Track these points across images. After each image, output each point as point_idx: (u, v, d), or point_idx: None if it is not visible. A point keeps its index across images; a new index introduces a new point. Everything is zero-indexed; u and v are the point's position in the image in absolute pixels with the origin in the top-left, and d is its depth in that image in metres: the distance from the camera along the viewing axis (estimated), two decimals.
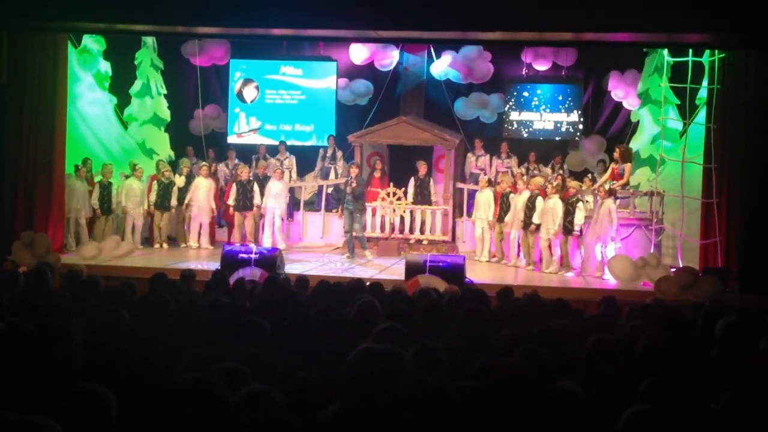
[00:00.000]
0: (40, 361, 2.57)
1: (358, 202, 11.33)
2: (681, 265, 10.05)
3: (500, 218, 11.47)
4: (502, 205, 11.44)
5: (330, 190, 13.18)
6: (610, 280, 10.00)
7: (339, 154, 13.38)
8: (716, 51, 10.13)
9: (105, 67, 12.79)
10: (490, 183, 11.91)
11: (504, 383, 2.47)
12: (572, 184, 10.97)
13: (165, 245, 12.12)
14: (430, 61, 13.66)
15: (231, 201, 12.15)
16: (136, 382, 2.81)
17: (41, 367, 2.56)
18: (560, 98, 13.61)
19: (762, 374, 3.13)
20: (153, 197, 12.03)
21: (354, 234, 11.37)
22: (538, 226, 10.81)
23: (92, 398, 2.29)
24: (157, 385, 2.67)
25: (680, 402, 2.59)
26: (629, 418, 2.37)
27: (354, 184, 11.30)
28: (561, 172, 12.67)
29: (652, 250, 10.16)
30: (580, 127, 13.49)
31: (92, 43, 12.44)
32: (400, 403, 2.20)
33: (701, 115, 10.89)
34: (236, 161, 13.21)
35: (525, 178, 11.76)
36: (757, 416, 2.23)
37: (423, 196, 12.36)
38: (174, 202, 12.11)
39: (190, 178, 12.32)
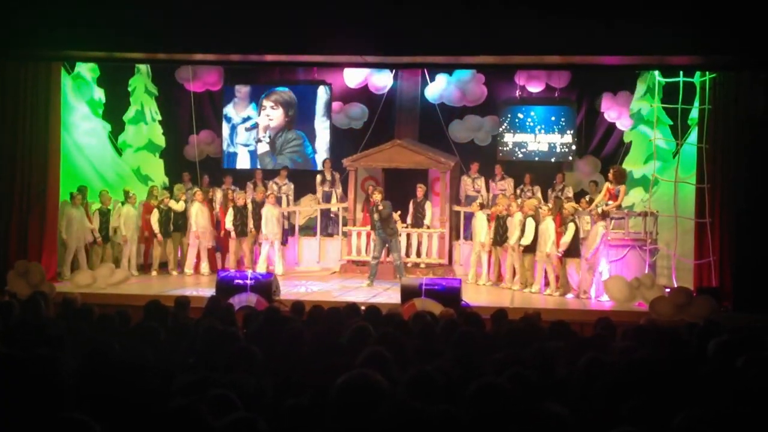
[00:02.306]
0: (27, 391, 2.56)
1: (388, 227, 11.26)
2: (675, 285, 10.05)
3: (496, 241, 11.48)
4: (498, 227, 11.46)
5: (343, 214, 13.16)
6: (605, 302, 9.99)
7: (337, 177, 13.43)
8: (707, 72, 10.24)
9: (99, 93, 12.86)
10: (482, 206, 11.94)
11: (490, 407, 2.47)
12: (567, 206, 11.01)
13: (175, 272, 12.10)
14: (424, 84, 13.77)
15: (228, 226, 12.15)
16: (125, 410, 2.80)
17: (28, 396, 2.55)
18: (554, 120, 13.70)
19: (738, 392, 3.13)
20: (156, 225, 12.01)
21: (394, 262, 11.28)
22: (530, 248, 10.83)
23: (76, 427, 2.28)
24: (145, 413, 2.66)
25: (667, 422, 2.59)
26: None
27: (381, 208, 11.18)
28: (558, 194, 12.70)
29: (646, 271, 10.16)
30: (574, 148, 13.58)
31: (86, 70, 12.52)
32: (385, 429, 2.19)
33: (693, 135, 10.97)
34: (231, 186, 13.23)
35: (519, 200, 11.80)
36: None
37: (417, 219, 12.38)
38: (172, 228, 12.11)
39: (185, 204, 12.33)
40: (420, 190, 12.47)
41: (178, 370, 3.82)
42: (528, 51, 9.39)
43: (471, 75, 13.49)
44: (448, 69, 13.31)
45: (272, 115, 14.12)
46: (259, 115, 14.13)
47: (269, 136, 14.13)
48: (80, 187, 11.89)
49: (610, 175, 11.00)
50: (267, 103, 14.13)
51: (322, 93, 14.03)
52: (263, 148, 14.12)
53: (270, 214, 12.12)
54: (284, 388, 3.67)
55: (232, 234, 12.11)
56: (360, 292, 10.69)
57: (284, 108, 14.10)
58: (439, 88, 13.62)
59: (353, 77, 13.71)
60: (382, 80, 13.71)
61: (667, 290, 9.76)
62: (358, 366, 3.22)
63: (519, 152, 13.78)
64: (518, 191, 12.83)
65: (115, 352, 4.13)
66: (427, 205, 12.51)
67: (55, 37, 9.45)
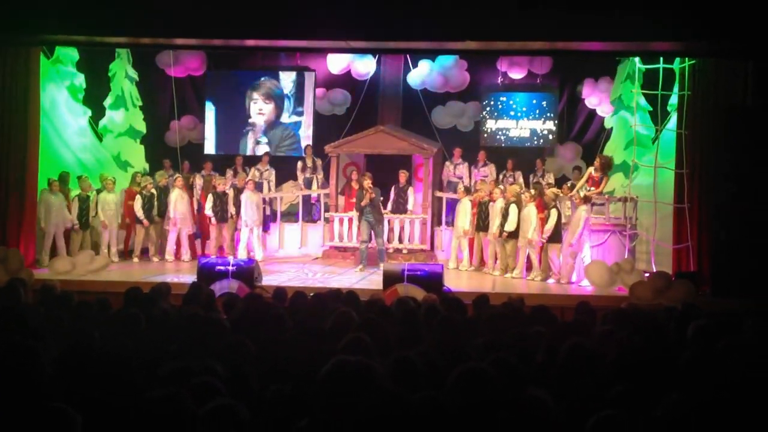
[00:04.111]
0: (6, 381, 2.54)
1: (377, 212, 11.39)
2: (654, 270, 10.17)
3: (479, 227, 11.53)
4: (480, 213, 11.51)
5: (325, 200, 13.16)
6: (586, 287, 10.09)
7: (318, 163, 13.39)
8: (686, 58, 10.31)
9: (79, 79, 12.68)
10: (468, 192, 11.97)
11: (473, 393, 2.49)
12: (549, 191, 11.08)
13: (156, 258, 12.02)
14: (407, 70, 13.73)
15: (208, 212, 12.08)
16: (107, 399, 2.79)
17: (7, 386, 2.53)
18: (536, 106, 13.76)
19: (720, 376, 3.19)
20: (140, 211, 11.91)
21: (378, 247, 11.39)
22: (512, 234, 10.88)
23: (57, 417, 2.27)
24: (127, 402, 2.65)
25: (648, 407, 2.62)
26: (595, 424, 2.40)
27: (373, 195, 11.33)
28: (539, 179, 12.75)
29: (626, 256, 10.27)
30: (556, 134, 13.64)
31: (65, 54, 12.32)
32: (371, 416, 2.20)
33: (673, 121, 11.06)
34: (211, 172, 13.13)
35: (501, 186, 11.85)
36: (699, 420, 2.27)
37: (399, 205, 12.40)
38: (155, 214, 12.02)
39: (165, 191, 12.24)
40: (402, 176, 12.47)
41: (160, 358, 3.81)
42: (511, 37, 9.41)
43: (454, 61, 13.48)
44: (432, 55, 13.29)
45: (264, 109, 14.03)
46: (248, 108, 14.01)
47: (264, 134, 14.01)
48: (62, 173, 11.77)
49: (597, 164, 11.05)
50: (257, 95, 14.02)
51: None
52: (263, 149, 13.96)
53: (250, 200, 12.06)
54: (267, 374, 3.67)
55: (212, 220, 12.05)
56: (343, 277, 10.70)
57: (275, 101, 14.01)
58: (421, 74, 13.60)
59: (336, 63, 13.64)
60: (364, 66, 13.66)
61: (647, 275, 9.87)
62: (340, 352, 3.22)
63: (501, 138, 13.83)
64: (500, 177, 12.88)
65: (95, 341, 4.11)
66: (410, 191, 12.52)
67: (33, 21, 9.30)
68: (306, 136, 14.03)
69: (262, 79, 14.04)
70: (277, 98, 14.06)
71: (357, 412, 2.23)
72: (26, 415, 2.28)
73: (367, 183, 11.42)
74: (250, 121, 14.11)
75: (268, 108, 14.07)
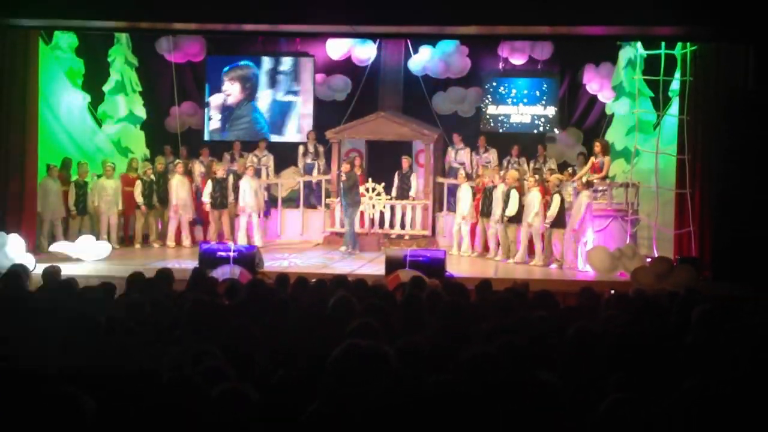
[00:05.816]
0: (12, 364, 2.53)
1: (347, 197, 11.56)
2: (656, 255, 10.18)
3: (483, 213, 11.54)
4: (485, 199, 11.51)
5: (326, 186, 13.20)
6: (588, 271, 10.10)
7: (321, 150, 13.37)
8: (688, 43, 10.27)
9: (78, 64, 12.62)
10: (469, 177, 11.96)
11: (483, 376, 2.49)
12: (552, 177, 11.07)
13: (156, 244, 12.03)
14: (408, 55, 13.67)
15: (206, 198, 12.06)
16: (114, 384, 2.79)
17: (13, 373, 2.52)
18: (537, 92, 13.71)
19: (726, 360, 3.20)
20: (140, 197, 11.90)
21: (348, 229, 11.63)
22: (514, 219, 10.89)
23: (68, 402, 2.25)
24: (134, 387, 2.65)
25: (656, 390, 2.63)
26: (608, 406, 2.40)
27: (343, 178, 11.56)
28: (540, 165, 12.72)
29: (628, 241, 10.28)
30: (557, 120, 13.60)
31: (64, 40, 12.26)
32: (383, 401, 2.20)
33: (674, 107, 11.03)
34: (210, 158, 13.10)
35: (502, 172, 11.84)
36: (717, 404, 2.27)
37: (403, 191, 12.40)
38: (155, 200, 12.02)
39: (164, 177, 12.22)
40: (405, 161, 12.49)
41: (167, 343, 3.81)
42: (512, 21, 9.36)
43: (455, 47, 13.42)
44: (432, 39, 13.22)
45: (230, 90, 14.05)
46: (220, 92, 14.06)
47: (221, 113, 14.05)
48: (64, 159, 11.75)
49: (597, 149, 10.96)
50: (225, 78, 14.04)
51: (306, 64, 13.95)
52: (214, 125, 14.05)
53: (248, 186, 12.05)
54: (272, 359, 3.68)
55: (208, 206, 12.03)
56: (344, 263, 10.72)
57: (241, 82, 13.98)
58: (422, 59, 13.54)
59: (336, 49, 13.57)
60: (365, 52, 13.59)
61: (648, 260, 9.88)
62: (348, 337, 3.22)
63: (502, 124, 13.79)
64: (505, 163, 12.85)
65: (100, 326, 4.11)
66: (413, 177, 12.52)
67: (31, 6, 9.23)
68: (299, 115, 13.96)
69: (241, 63, 14.03)
70: (246, 81, 14.01)
71: (369, 397, 2.23)
72: (37, 401, 2.27)
73: (345, 167, 11.60)
74: (223, 102, 14.08)
75: (234, 89, 14.03)
